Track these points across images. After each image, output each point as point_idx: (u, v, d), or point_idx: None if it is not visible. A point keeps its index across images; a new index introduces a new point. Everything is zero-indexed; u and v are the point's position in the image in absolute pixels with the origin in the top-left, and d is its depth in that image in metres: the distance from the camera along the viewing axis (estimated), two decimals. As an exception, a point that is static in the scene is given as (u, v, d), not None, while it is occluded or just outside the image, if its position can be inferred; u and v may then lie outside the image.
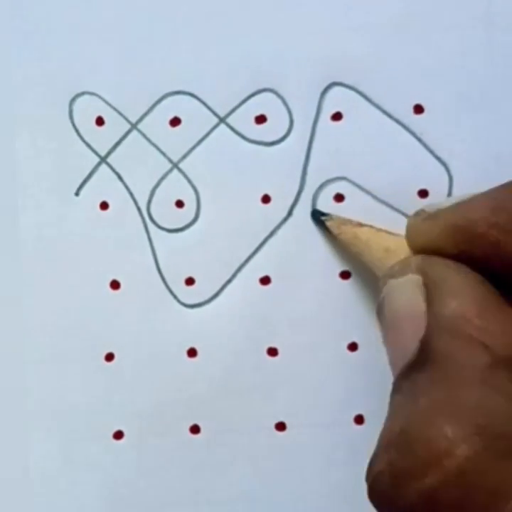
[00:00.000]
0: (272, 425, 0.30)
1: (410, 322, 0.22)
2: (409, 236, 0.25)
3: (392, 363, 0.24)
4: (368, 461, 0.29)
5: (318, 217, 0.30)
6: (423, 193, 0.30)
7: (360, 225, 0.28)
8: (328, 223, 0.29)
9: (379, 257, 0.26)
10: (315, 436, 0.30)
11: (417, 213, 0.25)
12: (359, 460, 0.29)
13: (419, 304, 0.22)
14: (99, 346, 0.30)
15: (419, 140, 0.30)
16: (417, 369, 0.21)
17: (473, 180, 0.30)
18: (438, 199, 0.30)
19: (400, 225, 0.29)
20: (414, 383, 0.21)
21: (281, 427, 0.30)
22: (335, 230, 0.29)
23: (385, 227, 0.30)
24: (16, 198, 0.30)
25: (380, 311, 0.24)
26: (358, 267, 0.30)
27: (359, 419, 0.30)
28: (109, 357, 0.30)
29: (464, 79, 0.30)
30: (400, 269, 0.24)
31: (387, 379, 0.30)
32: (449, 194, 0.30)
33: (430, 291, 0.22)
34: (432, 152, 0.30)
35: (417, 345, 0.21)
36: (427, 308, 0.22)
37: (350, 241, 0.28)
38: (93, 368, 0.30)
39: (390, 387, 0.30)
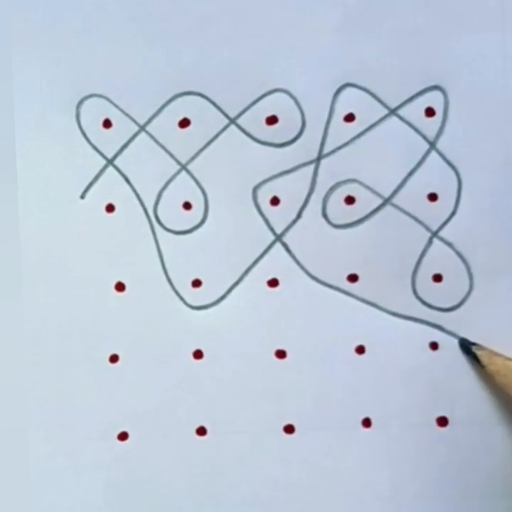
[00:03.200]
0: (280, 428, 0.30)
1: None
2: None
3: None
4: (375, 464, 0.30)
5: (467, 346, 0.30)
6: (432, 197, 0.30)
7: (510, 359, 0.29)
8: (479, 353, 0.29)
9: None
10: (323, 439, 0.30)
11: None
12: (366, 464, 0.30)
13: None
14: (103, 348, 0.30)
15: (430, 143, 0.30)
16: None
17: (483, 186, 0.30)
18: (446, 206, 0.30)
19: (409, 228, 0.30)
20: None
21: (289, 429, 0.30)
22: (485, 360, 0.29)
23: (395, 231, 0.30)
24: (21, 200, 0.30)
25: None
26: (365, 269, 0.30)
27: (366, 422, 0.30)
28: (114, 358, 0.30)
29: (476, 82, 0.30)
30: None
31: (393, 382, 0.30)
32: (458, 198, 0.30)
33: None
34: (442, 156, 0.30)
35: None
36: None
37: (501, 372, 0.28)
38: (98, 369, 0.30)
39: (396, 392, 0.30)
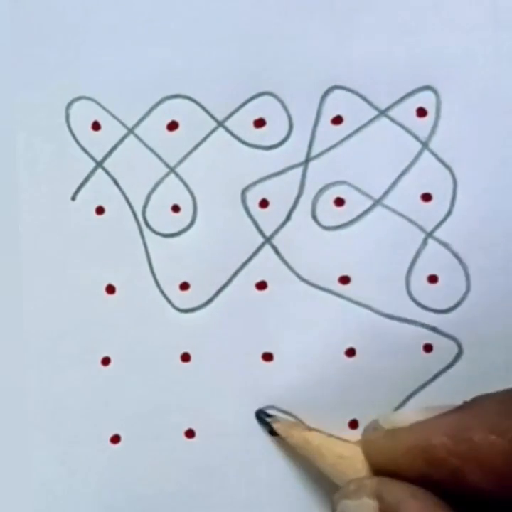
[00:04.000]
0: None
1: None
2: (366, 452, 0.25)
3: None
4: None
5: (262, 418, 0.29)
6: (426, 197, 0.30)
7: (309, 429, 0.28)
8: (275, 425, 0.29)
9: (332, 463, 0.26)
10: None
11: (374, 427, 0.25)
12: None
13: None
14: (95, 350, 0.30)
15: (423, 143, 0.30)
16: None
17: (478, 185, 0.29)
18: (441, 206, 0.29)
19: (402, 229, 0.29)
20: None
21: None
22: (283, 433, 0.29)
23: (387, 232, 0.29)
24: (13, 202, 0.30)
25: None
26: (357, 271, 0.30)
27: (353, 424, 0.29)
28: (106, 361, 0.30)
29: (469, 81, 0.29)
30: (355, 491, 0.24)
31: (384, 385, 0.29)
32: (454, 198, 0.29)
33: None
34: (435, 155, 0.29)
35: None
36: None
37: (300, 445, 0.28)
38: (90, 371, 0.30)
39: (386, 394, 0.29)
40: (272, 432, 0.29)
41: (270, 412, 0.29)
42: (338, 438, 0.27)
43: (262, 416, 0.29)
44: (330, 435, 0.27)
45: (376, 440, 0.25)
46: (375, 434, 0.25)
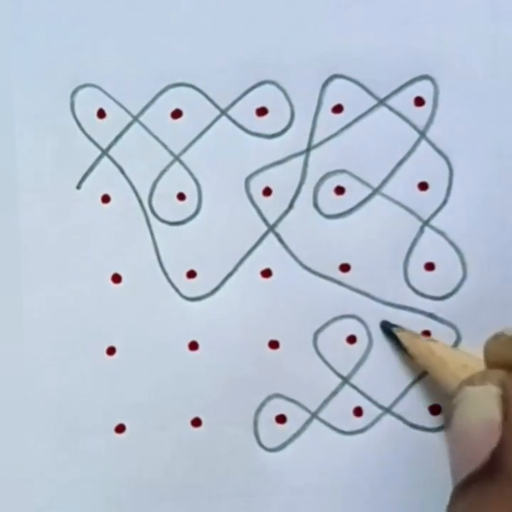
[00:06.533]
0: (273, 418, 0.30)
1: (483, 431, 0.22)
2: (489, 358, 0.26)
3: (455, 469, 0.24)
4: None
5: (388, 328, 0.30)
6: (423, 186, 0.30)
7: (433, 340, 0.29)
8: (399, 334, 0.30)
9: (455, 373, 0.27)
10: (316, 429, 0.30)
11: (497, 336, 0.25)
12: (350, 450, 0.30)
13: (495, 414, 0.22)
14: (100, 340, 0.30)
15: (420, 133, 0.30)
16: (484, 479, 0.22)
17: (474, 174, 0.30)
18: (437, 195, 0.30)
19: (400, 218, 0.30)
20: (481, 493, 0.22)
21: (281, 419, 0.30)
22: (406, 342, 0.29)
23: (385, 220, 0.30)
24: (17, 191, 0.30)
25: (450, 418, 0.24)
26: (357, 259, 0.30)
27: (358, 411, 0.30)
28: (111, 351, 0.30)
29: (467, 71, 0.30)
30: (480, 379, 0.24)
31: (386, 372, 0.30)
32: (450, 187, 0.30)
33: (508, 405, 0.22)
34: (432, 145, 0.30)
35: (488, 455, 0.22)
36: (502, 420, 0.22)
37: (423, 354, 0.29)
38: (94, 361, 0.30)
39: (389, 381, 0.30)
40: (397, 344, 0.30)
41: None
42: (462, 351, 0.28)
43: (387, 326, 0.30)
44: (455, 348, 0.29)
45: (498, 347, 0.25)
46: (498, 342, 0.25)
